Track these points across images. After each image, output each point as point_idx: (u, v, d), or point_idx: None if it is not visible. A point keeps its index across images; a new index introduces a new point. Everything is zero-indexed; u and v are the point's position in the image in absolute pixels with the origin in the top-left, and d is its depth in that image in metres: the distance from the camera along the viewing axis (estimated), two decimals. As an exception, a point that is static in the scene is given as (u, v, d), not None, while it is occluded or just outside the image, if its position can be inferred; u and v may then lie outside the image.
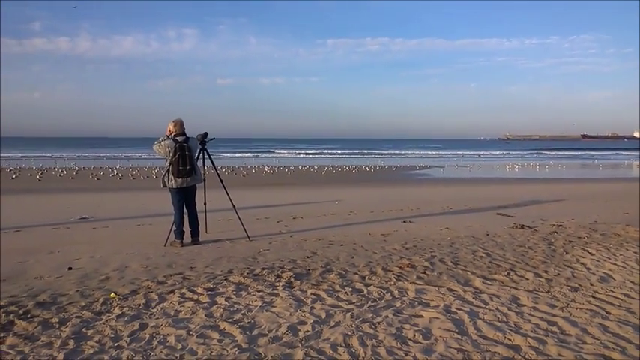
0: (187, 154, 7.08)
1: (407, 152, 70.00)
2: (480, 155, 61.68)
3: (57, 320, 4.04)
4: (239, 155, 55.42)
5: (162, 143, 7.12)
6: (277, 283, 5.07)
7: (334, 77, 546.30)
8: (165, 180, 7.21)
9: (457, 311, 4.22)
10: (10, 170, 27.64)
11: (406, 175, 28.32)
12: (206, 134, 7.77)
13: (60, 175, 24.72)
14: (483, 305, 4.39)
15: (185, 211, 7.44)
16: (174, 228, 7.30)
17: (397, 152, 69.48)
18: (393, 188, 19.63)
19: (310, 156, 59.23)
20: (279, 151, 68.09)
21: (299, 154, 63.76)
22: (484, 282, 5.14)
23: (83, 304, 4.46)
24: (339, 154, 64.76)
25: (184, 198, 7.38)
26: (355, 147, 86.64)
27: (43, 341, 3.64)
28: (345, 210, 11.37)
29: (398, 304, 4.43)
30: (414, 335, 3.69)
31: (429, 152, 71.05)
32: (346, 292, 4.77)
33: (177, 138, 7.12)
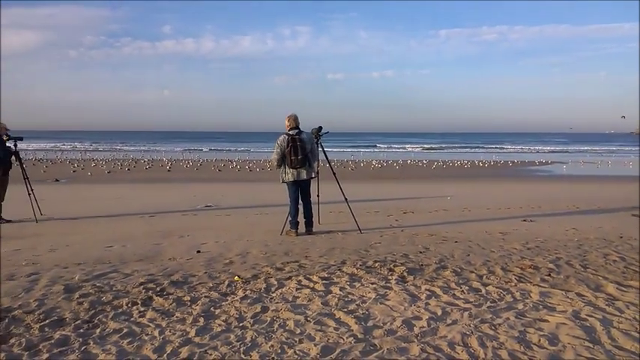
0: (299, 145, 7.33)
1: (524, 147, 65.73)
2: (608, 150, 55.98)
3: (188, 299, 4.41)
4: (349, 150, 56.04)
5: (278, 139, 7.43)
6: (390, 277, 5.06)
7: (446, 69, 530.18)
8: (282, 175, 7.53)
9: (587, 318, 3.89)
10: (145, 161, 30.64)
11: (525, 171, 26.64)
12: (320, 128, 7.95)
13: (186, 166, 26.87)
14: (618, 314, 4.01)
15: (300, 202, 7.68)
16: (289, 218, 7.59)
17: (514, 146, 65.54)
18: (511, 184, 18.56)
19: (419, 150, 58.06)
20: (387, 145, 67.60)
21: (408, 147, 62.80)
22: (618, 288, 4.68)
23: (211, 285, 4.81)
24: (449, 147, 62.73)
25: (299, 190, 7.63)
26: (468, 141, 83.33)
27: (177, 317, 3.99)
28: (458, 206, 11.00)
29: (520, 306, 4.20)
30: (539, 340, 3.47)
31: (551, 147, 66.01)
32: (462, 291, 4.63)
33: (290, 132, 7.43)
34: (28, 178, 9.25)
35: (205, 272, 5.28)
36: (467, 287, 4.74)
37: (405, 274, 5.16)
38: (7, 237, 7.42)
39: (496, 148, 62.67)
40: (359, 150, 54.57)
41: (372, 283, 4.83)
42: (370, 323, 3.82)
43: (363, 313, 4.02)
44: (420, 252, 6.22)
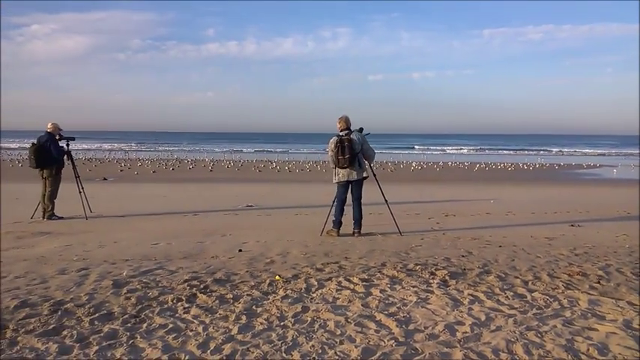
0: (347, 145, 7.34)
1: (571, 149, 63.46)
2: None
3: (231, 296, 4.49)
4: (387, 151, 55.63)
5: (329, 141, 7.52)
6: (432, 281, 4.99)
7: (490, 69, 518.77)
8: (334, 175, 7.66)
9: (641, 329, 3.72)
10: (188, 161, 31.39)
11: (572, 175, 25.73)
12: (361, 129, 7.92)
13: (227, 167, 27.35)
14: (675, 326, 3.81)
15: (349, 203, 7.70)
16: (332, 217, 7.63)
17: (560, 149, 63.42)
18: (557, 188, 17.96)
19: (461, 152, 57.01)
20: (425, 147, 66.73)
21: (447, 150, 61.78)
22: (675, 299, 4.46)
23: (252, 283, 4.89)
24: (492, 150, 61.30)
25: (349, 191, 7.66)
26: (511, 143, 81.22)
27: (220, 314, 4.07)
28: (502, 209, 10.74)
29: (567, 314, 4.06)
30: (588, 350, 3.35)
31: (600, 150, 63.45)
32: (507, 297, 4.52)
33: (341, 133, 7.52)
34: (79, 177, 9.64)
35: (247, 271, 5.36)
36: (512, 293, 4.62)
37: (447, 278, 5.09)
38: (59, 233, 7.76)
39: (541, 150, 60.78)
40: (399, 152, 54.08)
41: (413, 287, 4.78)
42: (411, 327, 3.78)
43: (404, 317, 3.99)
44: (463, 256, 6.12)
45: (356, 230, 7.62)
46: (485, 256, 6.14)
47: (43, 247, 6.65)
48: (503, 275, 5.22)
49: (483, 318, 3.96)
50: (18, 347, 3.37)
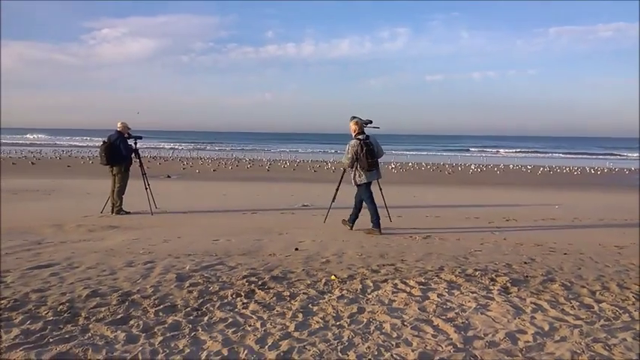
0: (372, 148, 7.68)
1: (645, 153, 59.54)
2: None
3: (288, 294, 4.56)
4: (442, 153, 54.53)
5: (351, 144, 7.73)
6: (492, 287, 4.85)
7: (555, 69, 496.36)
8: (356, 177, 7.82)
9: None
10: (246, 161, 32.13)
11: (645, 180, 24.14)
12: (370, 121, 8.02)
13: (284, 167, 27.75)
14: None
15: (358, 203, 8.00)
16: (372, 218, 7.84)
17: (632, 153, 59.70)
18: (627, 194, 16.93)
19: (524, 155, 54.85)
20: (479, 149, 64.78)
21: (510, 152, 59.66)
22: None
23: (308, 282, 4.94)
24: (554, 152, 58.61)
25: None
26: (577, 146, 77.37)
27: (277, 311, 4.15)
28: (568, 215, 10.25)
29: (638, 327, 3.83)
30: (663, 367, 3.15)
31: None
32: (572, 306, 4.32)
33: (360, 136, 7.76)
34: (145, 174, 10.08)
35: (303, 269, 5.43)
36: (577, 303, 4.42)
37: (509, 284, 4.93)
38: (127, 227, 8.16)
39: (610, 154, 57.47)
40: (455, 154, 52.81)
41: (472, 292, 4.67)
42: (470, 333, 3.70)
43: (462, 322, 3.91)
44: (525, 262, 5.90)
45: (376, 228, 7.84)
46: (550, 263, 5.89)
47: (112, 240, 7.02)
48: (569, 284, 4.99)
49: (547, 328, 3.81)
50: (89, 334, 3.58)
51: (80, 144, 60.10)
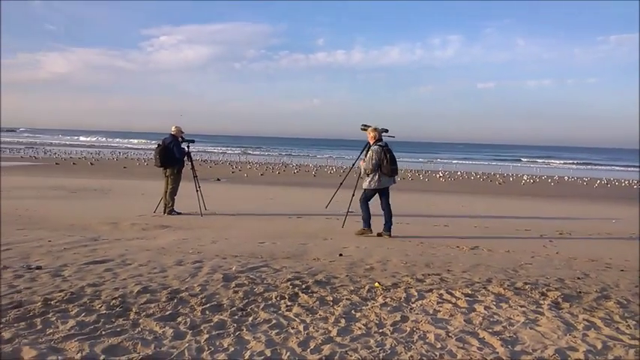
0: (393, 155, 8.06)
1: None
2: None
3: (331, 299, 4.58)
4: (495, 163, 53.12)
5: (375, 150, 7.99)
6: (542, 302, 4.69)
7: (617, 77, 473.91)
8: (374, 182, 8.04)
9: None
10: (293, 166, 32.47)
11: None
12: (386, 130, 8.38)
13: (330, 172, 27.83)
14: None
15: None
16: (384, 222, 8.13)
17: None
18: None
19: (577, 166, 52.51)
20: (530, 159, 62.55)
21: (564, 163, 57.36)
22: None
23: (352, 288, 4.94)
24: (616, 165, 55.81)
25: (382, 195, 8.20)
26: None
27: (320, 315, 4.17)
28: (625, 230, 9.76)
29: None
30: None
31: None
32: (628, 325, 4.11)
33: (380, 143, 8.09)
34: (197, 177, 10.39)
35: (347, 275, 5.43)
36: (634, 322, 4.20)
37: (560, 300, 4.74)
38: (178, 227, 8.43)
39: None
40: (507, 164, 51.30)
41: (521, 306, 4.52)
42: (518, 348, 3.59)
43: (510, 336, 3.79)
44: (578, 278, 5.67)
45: (387, 232, 8.06)
46: (605, 279, 5.63)
47: (163, 239, 7.27)
48: (625, 302, 4.75)
49: (600, 346, 3.64)
50: (139, 329, 3.72)
51: (136, 146, 62.62)
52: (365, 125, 8.35)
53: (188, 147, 10.15)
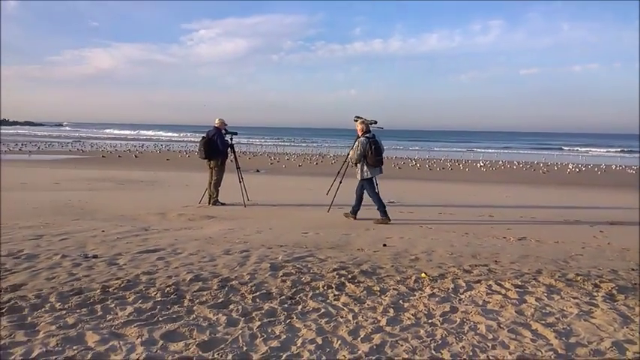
0: (379, 147, 8.41)
1: None
2: None
3: (378, 289, 4.59)
4: (536, 152, 51.61)
5: (361, 142, 8.33)
6: (596, 293, 4.57)
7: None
8: (364, 172, 8.41)
9: None
10: (331, 156, 32.50)
11: None
12: (375, 122, 8.68)
13: (368, 163, 27.73)
14: None
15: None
16: (380, 208, 8.33)
17: None
18: None
19: (623, 154, 50.25)
20: (570, 148, 60.28)
21: (610, 151, 55.09)
22: None
23: (398, 278, 4.94)
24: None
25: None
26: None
27: (368, 305, 4.19)
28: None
29: None
30: None
31: None
32: (690, 319, 3.95)
33: (367, 135, 8.43)
34: (239, 168, 10.56)
35: (392, 265, 5.43)
36: (697, 316, 4.03)
37: (615, 291, 4.61)
38: (223, 217, 8.60)
39: None
40: (549, 152, 49.73)
41: (574, 298, 4.42)
42: (572, 340, 3.52)
43: (563, 328, 3.72)
44: (633, 269, 5.49)
45: (384, 218, 8.26)
46: (662, 272, 5.42)
47: (210, 229, 7.44)
48: (686, 295, 4.57)
49: (661, 340, 3.52)
50: (194, 315, 3.85)
51: (177, 139, 64.07)
52: (357, 117, 8.72)
53: (231, 139, 10.30)
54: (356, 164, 8.49)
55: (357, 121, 8.69)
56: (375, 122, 8.73)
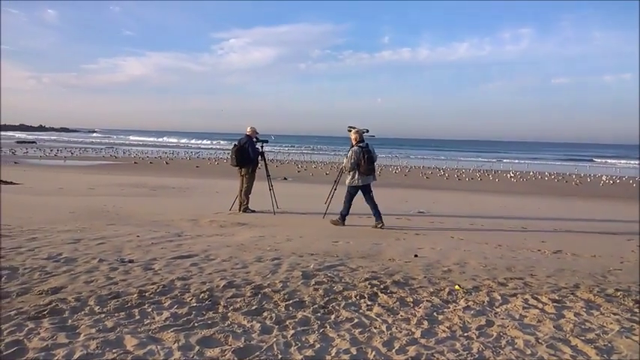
0: (371, 156, 8.77)
1: None
2: None
3: (411, 300, 4.55)
4: (566, 163, 50.44)
5: (355, 150, 8.71)
6: (637, 310, 4.43)
7: None
8: (354, 180, 8.78)
9: None
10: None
11: None
12: (367, 130, 9.08)
13: (395, 172, 27.59)
14: None
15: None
16: (343, 213, 8.89)
17: None
18: None
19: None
20: (603, 160, 58.42)
21: (627, 162, 53.32)
22: None
23: (431, 290, 4.88)
24: None
25: (364, 192, 8.88)
26: None
27: (401, 316, 4.16)
28: None
29: None
30: None
31: None
32: None
33: (360, 144, 8.79)
34: (269, 176, 10.63)
35: (425, 277, 5.37)
36: None
37: (658, 309, 4.46)
38: (253, 225, 8.67)
39: None
40: (581, 164, 48.46)
41: (614, 314, 4.30)
42: (614, 357, 3.42)
43: (604, 345, 3.62)
44: (676, 286, 5.29)
45: (379, 222, 8.63)
46: None
47: (241, 236, 7.51)
48: None
49: None
50: (229, 322, 3.89)
51: (207, 146, 65.01)
52: (350, 127, 9.06)
53: (262, 147, 10.39)
54: (349, 172, 8.84)
55: (350, 130, 9.06)
56: (367, 131, 9.14)
